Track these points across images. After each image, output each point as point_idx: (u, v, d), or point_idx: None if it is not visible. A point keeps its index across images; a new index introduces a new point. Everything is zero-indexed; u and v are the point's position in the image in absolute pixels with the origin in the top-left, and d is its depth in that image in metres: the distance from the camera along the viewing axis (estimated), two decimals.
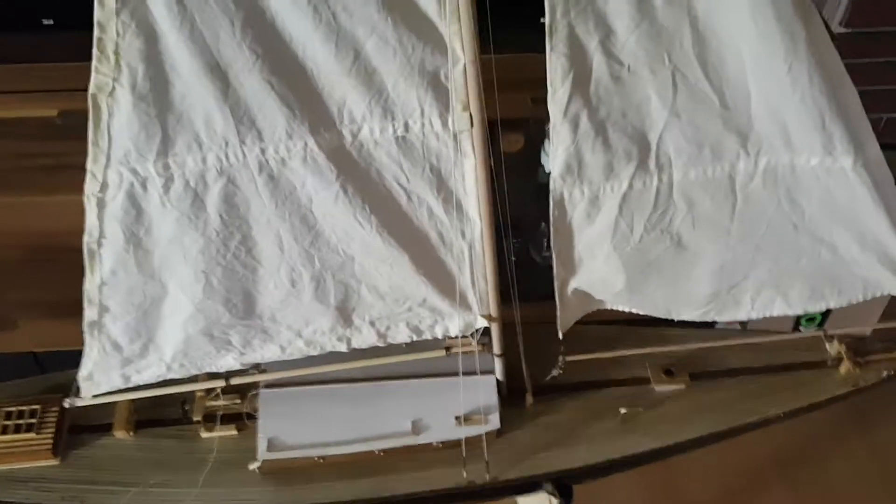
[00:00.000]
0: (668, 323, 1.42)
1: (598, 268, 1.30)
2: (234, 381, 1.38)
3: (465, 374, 1.36)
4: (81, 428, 1.45)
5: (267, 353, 1.33)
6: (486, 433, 1.40)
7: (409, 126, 1.12)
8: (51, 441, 1.40)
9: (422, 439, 1.41)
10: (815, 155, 1.16)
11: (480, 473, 1.39)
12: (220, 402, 1.43)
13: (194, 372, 1.32)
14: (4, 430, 1.40)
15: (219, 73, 1.03)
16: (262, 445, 1.39)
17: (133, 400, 1.39)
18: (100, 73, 1.02)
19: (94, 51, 1.00)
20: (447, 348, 1.38)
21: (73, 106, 1.38)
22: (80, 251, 1.16)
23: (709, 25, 1.07)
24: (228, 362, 1.32)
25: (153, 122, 1.05)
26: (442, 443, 1.41)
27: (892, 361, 1.49)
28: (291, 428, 1.40)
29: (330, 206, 1.16)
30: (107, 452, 1.43)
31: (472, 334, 1.36)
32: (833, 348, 1.52)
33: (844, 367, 1.49)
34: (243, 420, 1.44)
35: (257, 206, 1.15)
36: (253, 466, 1.39)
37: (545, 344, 1.38)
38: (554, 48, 1.07)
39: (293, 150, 1.11)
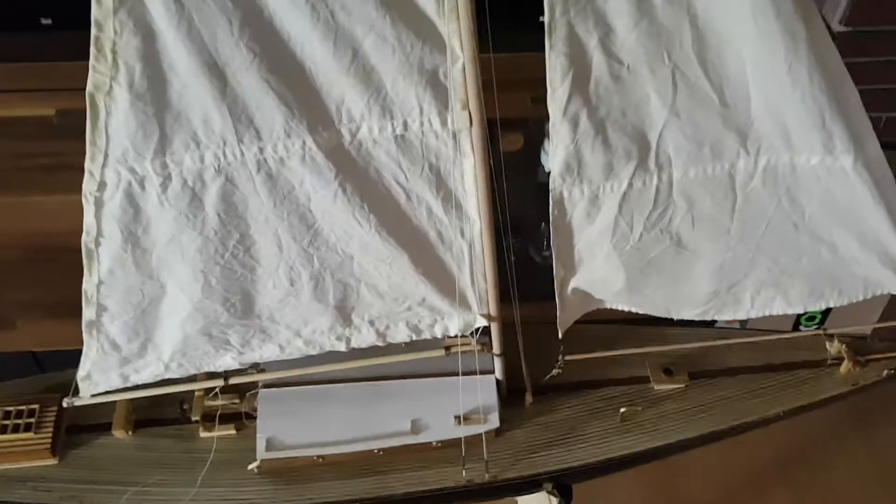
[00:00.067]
0: (668, 322, 1.42)
1: (598, 267, 1.29)
2: (233, 380, 1.38)
3: (464, 373, 1.36)
4: (80, 427, 1.45)
5: (266, 352, 1.33)
6: (486, 432, 1.40)
7: (408, 125, 1.12)
8: (49, 440, 1.40)
9: (421, 439, 1.41)
10: (815, 154, 1.16)
11: (480, 473, 1.39)
12: (219, 402, 1.43)
13: (193, 371, 1.32)
14: (3, 430, 1.40)
15: (216, 72, 1.03)
16: (260, 445, 1.39)
17: (132, 399, 1.39)
18: (97, 72, 1.01)
19: (92, 49, 1.00)
20: (447, 348, 1.38)
21: (71, 105, 1.38)
22: (79, 251, 1.16)
23: (708, 24, 1.07)
24: (227, 362, 1.32)
25: (151, 120, 1.05)
26: (441, 442, 1.41)
27: (892, 360, 1.49)
28: (290, 427, 1.40)
29: (328, 205, 1.16)
30: (105, 452, 1.43)
31: (471, 334, 1.36)
32: (833, 347, 1.51)
33: (844, 366, 1.49)
34: (242, 420, 1.44)
35: (255, 205, 1.15)
36: (252, 466, 1.39)
37: (545, 343, 1.38)
38: (553, 47, 1.06)
39: (291, 149, 1.10)
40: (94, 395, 1.31)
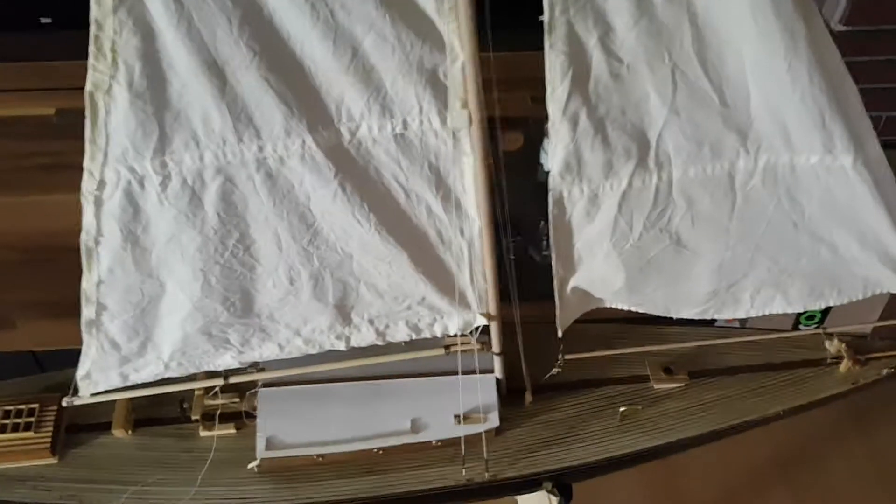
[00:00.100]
0: (668, 321, 1.42)
1: (598, 266, 1.29)
2: (233, 379, 1.38)
3: (464, 372, 1.36)
4: (80, 427, 1.45)
5: (265, 351, 1.32)
6: (486, 431, 1.41)
7: (408, 124, 1.12)
8: (49, 440, 1.40)
9: (421, 438, 1.41)
10: (815, 153, 1.16)
11: (479, 472, 1.39)
12: (219, 401, 1.43)
13: (192, 370, 1.32)
14: (3, 429, 1.40)
15: (216, 71, 1.03)
16: (260, 444, 1.39)
17: (131, 399, 1.39)
18: (97, 71, 1.01)
19: (91, 48, 1.00)
20: (446, 347, 1.38)
21: (70, 104, 1.38)
22: (78, 250, 1.15)
23: (708, 23, 1.07)
24: (227, 361, 1.32)
25: (150, 119, 1.05)
26: (441, 441, 1.41)
27: (891, 359, 1.49)
28: (290, 426, 1.40)
29: (328, 204, 1.16)
30: (105, 451, 1.43)
31: (471, 333, 1.36)
32: (833, 346, 1.52)
33: (844, 364, 1.49)
34: (242, 419, 1.44)
35: (255, 204, 1.15)
36: (252, 465, 1.39)
37: (544, 342, 1.38)
38: (553, 46, 1.06)
39: (291, 148, 1.10)
40: (93, 395, 1.31)
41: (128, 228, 1.13)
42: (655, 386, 1.50)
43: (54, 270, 1.56)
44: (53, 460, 1.41)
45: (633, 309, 1.38)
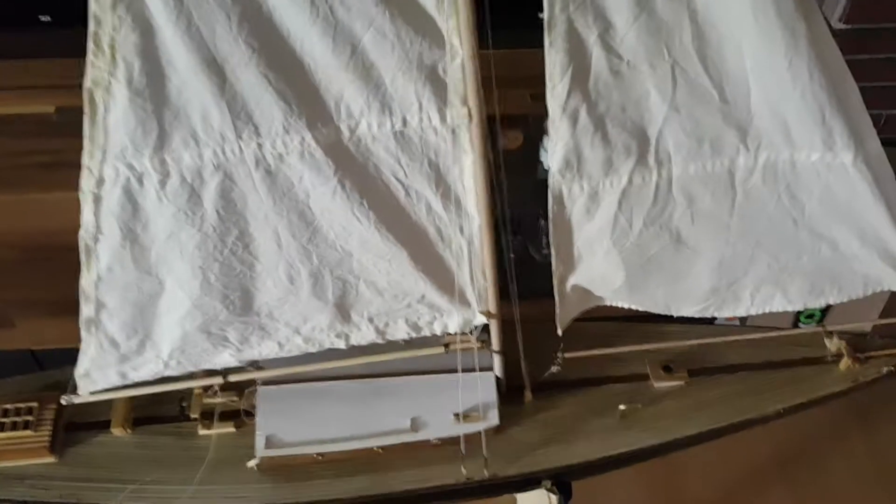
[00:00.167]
0: (668, 319, 1.42)
1: (598, 264, 1.29)
2: (232, 378, 1.37)
3: (463, 370, 1.36)
4: (78, 425, 1.45)
5: (265, 349, 1.32)
6: (485, 430, 1.40)
7: (408, 121, 1.12)
8: (48, 438, 1.40)
9: (420, 436, 1.40)
10: (815, 150, 1.16)
11: (479, 470, 1.39)
12: (218, 400, 1.43)
13: (191, 369, 1.32)
14: (2, 428, 1.40)
15: (215, 68, 1.03)
16: (260, 442, 1.39)
17: (130, 397, 1.39)
18: (96, 68, 1.01)
19: (90, 45, 1.00)
20: (446, 345, 1.38)
21: (70, 102, 1.37)
22: (77, 248, 1.15)
23: (708, 20, 1.07)
24: (226, 359, 1.32)
25: (149, 117, 1.05)
26: (441, 439, 1.41)
27: (891, 358, 1.49)
28: (289, 425, 1.40)
29: (328, 201, 1.16)
30: (104, 450, 1.43)
31: (470, 331, 1.36)
32: (833, 344, 1.51)
33: (844, 363, 1.49)
34: (241, 417, 1.44)
35: (254, 201, 1.15)
36: (251, 464, 1.39)
37: (544, 341, 1.38)
38: (552, 43, 1.06)
39: (290, 146, 1.10)
40: (92, 393, 1.30)
41: (127, 226, 1.13)
42: (655, 384, 1.50)
43: (53, 268, 1.56)
44: (52, 459, 1.41)
45: (633, 307, 1.38)
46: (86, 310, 1.20)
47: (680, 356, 1.52)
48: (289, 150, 1.11)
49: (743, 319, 1.56)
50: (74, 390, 1.30)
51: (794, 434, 2.19)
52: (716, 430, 1.45)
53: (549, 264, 1.29)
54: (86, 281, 1.18)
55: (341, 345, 1.34)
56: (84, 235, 1.13)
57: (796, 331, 1.57)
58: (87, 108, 1.04)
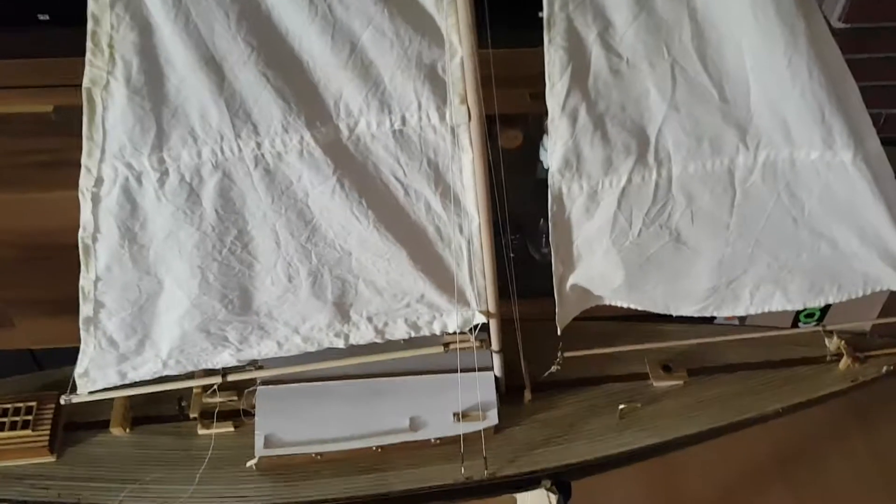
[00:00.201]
0: (667, 318, 1.41)
1: (597, 263, 1.29)
2: (231, 377, 1.37)
3: (463, 370, 1.36)
4: (78, 425, 1.44)
5: (264, 349, 1.32)
6: (485, 429, 1.40)
7: (407, 119, 1.11)
8: (47, 438, 1.40)
9: (420, 436, 1.40)
10: (814, 149, 1.15)
11: (478, 470, 1.39)
12: (217, 399, 1.43)
13: (190, 368, 1.32)
14: (1, 427, 1.40)
15: (214, 67, 1.02)
16: (259, 442, 1.38)
17: (129, 397, 1.39)
18: (94, 67, 1.01)
19: (89, 44, 0.99)
20: (445, 344, 1.38)
21: (68, 101, 1.38)
22: (76, 248, 1.15)
23: (708, 18, 1.06)
24: (225, 359, 1.32)
25: (148, 115, 1.04)
26: (440, 439, 1.41)
27: (891, 357, 1.49)
28: (288, 425, 1.40)
29: (327, 200, 1.16)
30: (103, 449, 1.43)
31: (470, 330, 1.36)
32: (832, 344, 1.51)
33: (844, 362, 1.49)
34: (240, 417, 1.44)
35: (253, 200, 1.14)
36: (250, 463, 1.39)
37: (543, 340, 1.37)
38: (552, 41, 1.06)
39: (289, 144, 1.10)
40: (91, 393, 1.30)
41: (125, 225, 1.13)
42: (654, 383, 1.50)
43: (52, 268, 1.56)
44: (51, 458, 1.41)
45: (633, 306, 1.38)
46: (85, 309, 1.20)
47: (679, 355, 1.52)
48: (287, 149, 1.10)
49: (742, 319, 1.56)
50: (74, 390, 1.30)
51: (794, 433, 2.19)
52: (715, 430, 1.45)
53: (549, 263, 1.29)
54: (84, 280, 1.17)
55: (340, 344, 1.34)
56: (83, 235, 1.13)
57: (796, 330, 1.57)
58: (85, 107, 1.03)
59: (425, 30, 1.05)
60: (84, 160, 1.07)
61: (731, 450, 1.97)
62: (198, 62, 1.02)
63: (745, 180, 1.19)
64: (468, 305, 1.33)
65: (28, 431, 1.40)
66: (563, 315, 1.35)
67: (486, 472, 1.39)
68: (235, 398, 1.44)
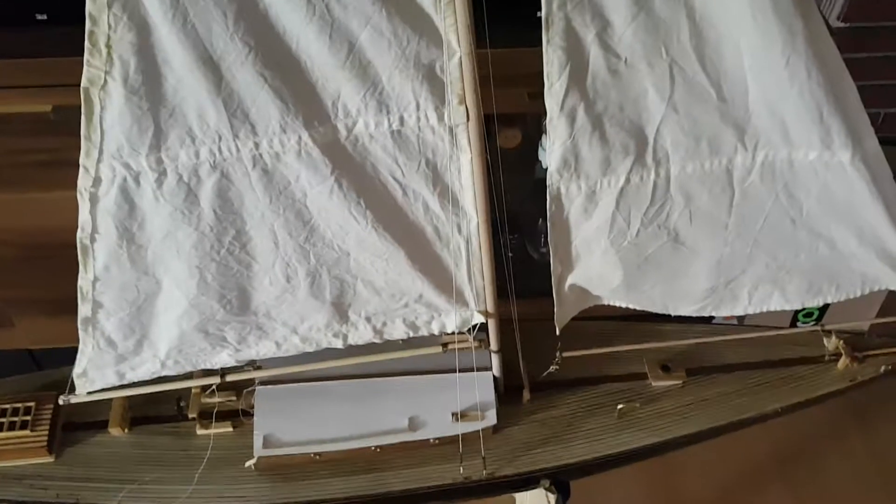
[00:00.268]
0: (665, 318, 1.41)
1: (595, 263, 1.29)
2: (230, 377, 1.37)
3: (461, 370, 1.36)
4: (76, 425, 1.44)
5: (262, 349, 1.32)
6: (483, 429, 1.40)
7: (405, 120, 1.11)
8: (46, 438, 1.40)
9: (418, 435, 1.40)
10: (813, 149, 1.15)
11: (477, 469, 1.39)
12: (216, 399, 1.43)
13: (189, 368, 1.32)
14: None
15: (211, 66, 1.02)
16: (257, 442, 1.38)
17: (128, 397, 1.39)
18: (92, 67, 1.01)
19: (87, 44, 0.99)
20: (444, 344, 1.38)
21: (67, 101, 1.38)
22: (75, 247, 1.15)
23: (706, 18, 1.06)
24: (223, 359, 1.32)
25: (146, 115, 1.04)
26: (438, 439, 1.41)
27: (889, 356, 1.49)
28: (287, 424, 1.40)
29: (325, 200, 1.15)
30: (102, 449, 1.43)
31: (468, 330, 1.36)
32: (831, 343, 1.51)
33: (842, 362, 1.49)
34: (239, 417, 1.44)
35: (251, 200, 1.14)
36: (249, 463, 1.39)
37: (542, 340, 1.38)
38: (550, 41, 1.06)
39: (287, 144, 1.10)
40: (90, 393, 1.30)
41: (123, 225, 1.13)
42: (653, 383, 1.50)
43: (51, 268, 1.56)
44: (50, 459, 1.41)
45: (631, 306, 1.38)
46: (83, 309, 1.20)
47: (678, 355, 1.52)
48: (285, 149, 1.10)
49: (741, 319, 1.55)
50: (72, 390, 1.30)
51: (793, 433, 2.19)
52: (714, 430, 1.45)
53: (547, 263, 1.29)
54: (83, 280, 1.17)
55: (339, 344, 1.34)
56: (81, 235, 1.13)
57: (794, 330, 1.57)
58: (83, 107, 1.03)
59: (423, 30, 1.05)
60: (82, 160, 1.07)
61: (729, 449, 1.97)
62: (195, 62, 1.02)
63: (744, 180, 1.19)
64: (467, 305, 1.33)
65: (27, 432, 1.40)
66: (562, 315, 1.35)
67: (484, 471, 1.39)
68: (234, 398, 1.44)
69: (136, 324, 1.23)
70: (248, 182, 1.12)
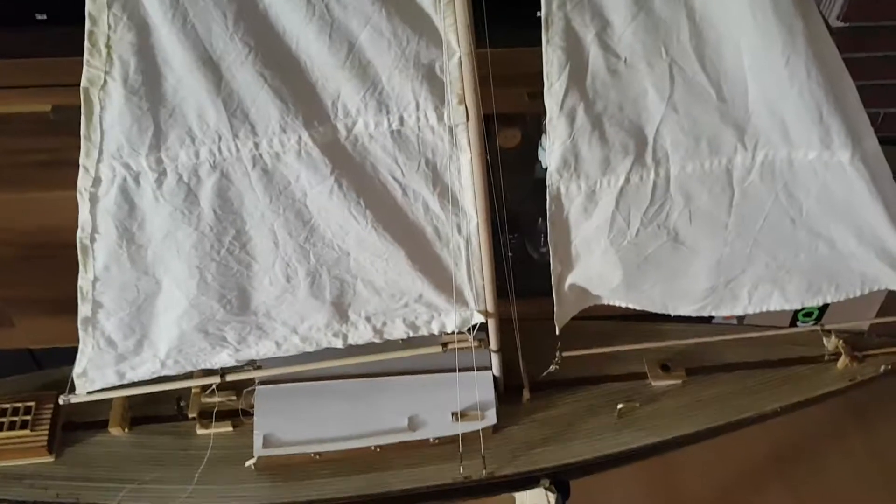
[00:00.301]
0: (665, 318, 1.41)
1: (595, 263, 1.29)
2: (230, 377, 1.37)
3: (461, 370, 1.36)
4: (76, 425, 1.44)
5: (262, 349, 1.32)
6: (483, 429, 1.40)
7: (404, 119, 1.12)
8: (46, 438, 1.40)
9: (418, 435, 1.40)
10: (812, 149, 1.15)
11: (477, 469, 1.39)
12: (216, 399, 1.43)
13: (189, 368, 1.32)
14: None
15: (211, 66, 1.02)
16: (257, 442, 1.38)
17: (128, 397, 1.39)
18: (92, 67, 1.01)
19: (86, 44, 0.99)
20: (444, 344, 1.38)
21: (67, 101, 1.38)
22: (75, 247, 1.15)
23: (706, 18, 1.06)
24: (223, 359, 1.32)
25: (145, 115, 1.04)
26: (438, 439, 1.41)
27: (889, 356, 1.49)
28: (287, 424, 1.40)
29: (324, 200, 1.16)
30: (102, 449, 1.43)
31: (468, 330, 1.36)
32: (830, 343, 1.51)
33: (842, 361, 1.49)
34: (239, 416, 1.44)
35: (251, 200, 1.14)
36: (249, 463, 1.39)
37: (542, 340, 1.38)
38: (550, 41, 1.06)
39: (287, 144, 1.10)
40: (90, 393, 1.30)
41: (123, 225, 1.13)
42: (653, 383, 1.50)
43: (52, 267, 1.56)
44: (50, 458, 1.41)
45: (631, 306, 1.38)
46: (83, 309, 1.20)
47: (678, 355, 1.52)
48: (285, 149, 1.10)
49: (740, 318, 1.55)
50: (72, 389, 1.30)
51: (792, 433, 2.19)
52: (714, 429, 1.45)
53: (547, 263, 1.29)
54: (83, 280, 1.18)
55: (339, 344, 1.34)
56: (81, 235, 1.13)
57: (794, 329, 1.57)
58: (83, 107, 1.03)
59: (423, 30, 1.05)
60: (82, 160, 1.07)
61: (729, 449, 1.97)
62: (195, 62, 1.02)
63: (744, 180, 1.19)
64: (466, 305, 1.33)
65: (27, 431, 1.40)
66: (562, 314, 1.35)
67: (484, 471, 1.39)
68: (234, 398, 1.44)
69: (136, 324, 1.23)
70: (248, 182, 1.12)
